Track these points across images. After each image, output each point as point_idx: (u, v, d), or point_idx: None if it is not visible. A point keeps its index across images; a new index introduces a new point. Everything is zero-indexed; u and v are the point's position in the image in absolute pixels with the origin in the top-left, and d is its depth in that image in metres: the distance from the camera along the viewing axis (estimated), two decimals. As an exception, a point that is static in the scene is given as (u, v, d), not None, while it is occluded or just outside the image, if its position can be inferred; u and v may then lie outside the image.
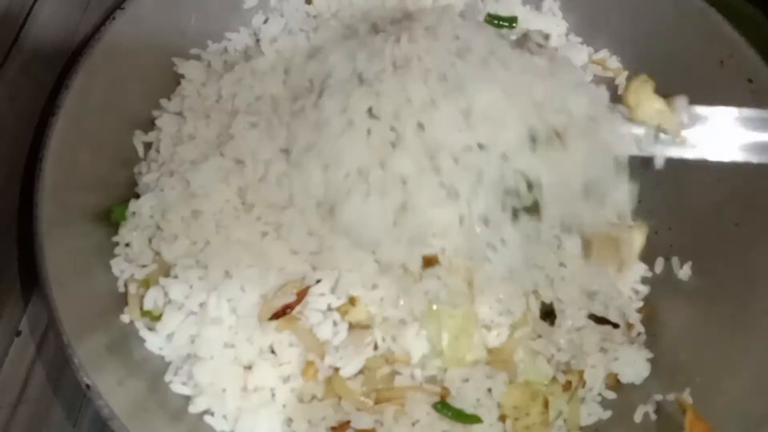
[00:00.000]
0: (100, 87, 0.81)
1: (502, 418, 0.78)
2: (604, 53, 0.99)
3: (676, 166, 0.87)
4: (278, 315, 0.76)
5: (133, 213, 0.82)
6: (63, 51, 0.83)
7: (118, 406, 0.68)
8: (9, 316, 0.76)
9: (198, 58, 0.93)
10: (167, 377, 0.77)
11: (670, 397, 0.78)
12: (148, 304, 0.78)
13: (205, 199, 0.81)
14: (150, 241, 0.81)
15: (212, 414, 0.75)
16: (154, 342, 0.77)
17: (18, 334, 0.77)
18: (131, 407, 0.70)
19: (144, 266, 0.80)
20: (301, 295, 0.77)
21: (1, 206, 0.77)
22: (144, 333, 0.78)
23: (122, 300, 0.79)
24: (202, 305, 0.77)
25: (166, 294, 0.78)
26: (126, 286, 0.80)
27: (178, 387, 0.76)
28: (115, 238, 0.81)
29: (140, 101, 0.88)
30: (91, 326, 0.74)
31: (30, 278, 0.77)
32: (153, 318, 0.78)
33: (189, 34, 0.93)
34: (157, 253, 0.81)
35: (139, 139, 0.87)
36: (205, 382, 0.75)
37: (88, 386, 0.68)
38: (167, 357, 0.78)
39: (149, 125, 0.89)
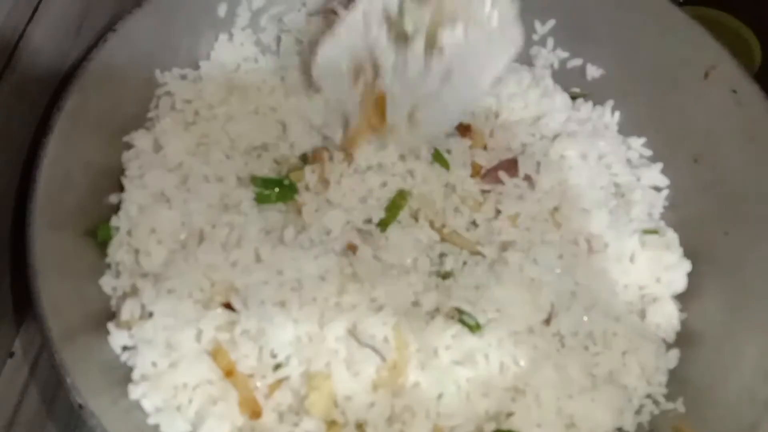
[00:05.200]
0: (92, 108, 0.82)
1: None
2: (592, 69, 1.00)
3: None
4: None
5: (117, 229, 0.82)
6: (55, 73, 0.84)
7: (112, 425, 0.68)
8: (2, 338, 0.76)
9: (186, 77, 0.93)
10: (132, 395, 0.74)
11: (664, 406, 0.78)
12: (125, 315, 0.77)
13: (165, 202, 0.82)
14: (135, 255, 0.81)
15: None
16: (146, 356, 0.76)
17: (11, 355, 0.77)
18: (125, 427, 0.70)
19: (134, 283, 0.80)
20: None
21: (-7, 227, 0.77)
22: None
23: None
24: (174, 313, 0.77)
25: (142, 306, 0.77)
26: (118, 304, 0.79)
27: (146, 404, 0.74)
28: (107, 260, 0.81)
29: (132, 122, 0.89)
30: (84, 346, 0.74)
31: (23, 299, 0.76)
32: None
33: (180, 54, 0.93)
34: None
35: (131, 158, 0.87)
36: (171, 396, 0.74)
37: (80, 406, 0.68)
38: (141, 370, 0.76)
39: (141, 145, 0.89)
